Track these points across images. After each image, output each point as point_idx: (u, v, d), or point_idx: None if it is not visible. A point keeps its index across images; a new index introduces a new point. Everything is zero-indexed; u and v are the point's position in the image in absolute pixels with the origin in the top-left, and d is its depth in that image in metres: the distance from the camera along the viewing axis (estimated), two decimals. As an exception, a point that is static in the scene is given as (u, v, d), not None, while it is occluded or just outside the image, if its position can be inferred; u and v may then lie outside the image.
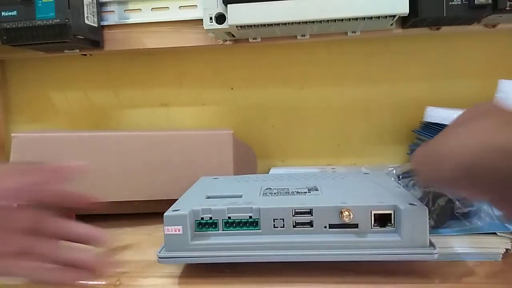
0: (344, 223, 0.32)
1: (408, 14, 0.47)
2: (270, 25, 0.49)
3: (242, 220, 0.33)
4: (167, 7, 0.60)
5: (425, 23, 0.52)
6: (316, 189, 0.38)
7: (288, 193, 0.37)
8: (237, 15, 0.48)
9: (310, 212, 0.32)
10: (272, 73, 0.66)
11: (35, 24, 0.51)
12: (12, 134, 0.47)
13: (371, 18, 0.48)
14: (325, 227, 0.32)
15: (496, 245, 0.34)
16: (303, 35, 0.58)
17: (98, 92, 0.71)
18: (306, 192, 0.37)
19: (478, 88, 0.62)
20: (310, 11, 0.47)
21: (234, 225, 0.33)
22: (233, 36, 0.57)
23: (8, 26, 0.52)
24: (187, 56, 0.68)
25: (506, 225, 0.35)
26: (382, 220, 0.32)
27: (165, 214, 0.33)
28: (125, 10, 0.61)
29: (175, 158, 0.49)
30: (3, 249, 0.26)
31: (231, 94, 0.68)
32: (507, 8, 0.46)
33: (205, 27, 0.51)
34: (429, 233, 0.31)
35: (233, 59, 0.67)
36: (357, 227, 0.32)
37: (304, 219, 0.32)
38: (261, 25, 0.49)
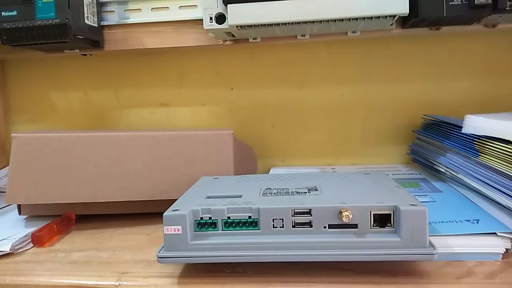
0: (343, 223, 0.32)
1: (408, 14, 0.47)
2: (270, 25, 0.49)
3: (242, 220, 0.33)
4: (167, 7, 0.60)
5: (425, 23, 0.52)
6: (316, 189, 0.38)
7: (288, 193, 0.37)
8: (237, 15, 0.48)
9: (309, 212, 0.32)
10: (272, 73, 0.66)
11: (35, 24, 0.51)
12: (12, 134, 0.47)
13: (371, 18, 0.48)
14: (325, 227, 0.32)
15: (496, 245, 0.34)
16: (303, 35, 0.58)
17: (98, 92, 0.71)
18: (305, 192, 0.37)
19: (478, 88, 0.62)
20: (310, 11, 0.47)
21: (233, 225, 0.33)
22: (233, 36, 0.57)
23: (8, 26, 0.52)
24: (187, 56, 0.68)
25: (506, 225, 0.35)
26: (382, 221, 0.32)
27: (164, 214, 0.33)
28: (125, 10, 0.61)
29: (175, 158, 0.49)
30: None
31: (231, 94, 0.68)
32: (507, 8, 0.46)
33: (205, 27, 0.51)
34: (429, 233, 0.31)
35: (233, 59, 0.67)
36: (356, 227, 0.32)
37: (303, 219, 0.32)
38: (261, 25, 0.49)
